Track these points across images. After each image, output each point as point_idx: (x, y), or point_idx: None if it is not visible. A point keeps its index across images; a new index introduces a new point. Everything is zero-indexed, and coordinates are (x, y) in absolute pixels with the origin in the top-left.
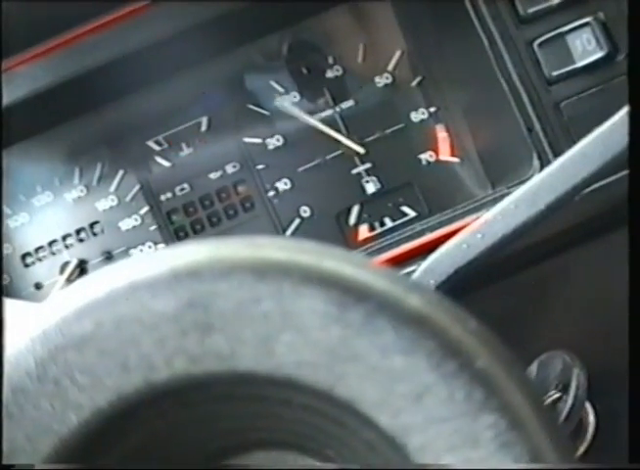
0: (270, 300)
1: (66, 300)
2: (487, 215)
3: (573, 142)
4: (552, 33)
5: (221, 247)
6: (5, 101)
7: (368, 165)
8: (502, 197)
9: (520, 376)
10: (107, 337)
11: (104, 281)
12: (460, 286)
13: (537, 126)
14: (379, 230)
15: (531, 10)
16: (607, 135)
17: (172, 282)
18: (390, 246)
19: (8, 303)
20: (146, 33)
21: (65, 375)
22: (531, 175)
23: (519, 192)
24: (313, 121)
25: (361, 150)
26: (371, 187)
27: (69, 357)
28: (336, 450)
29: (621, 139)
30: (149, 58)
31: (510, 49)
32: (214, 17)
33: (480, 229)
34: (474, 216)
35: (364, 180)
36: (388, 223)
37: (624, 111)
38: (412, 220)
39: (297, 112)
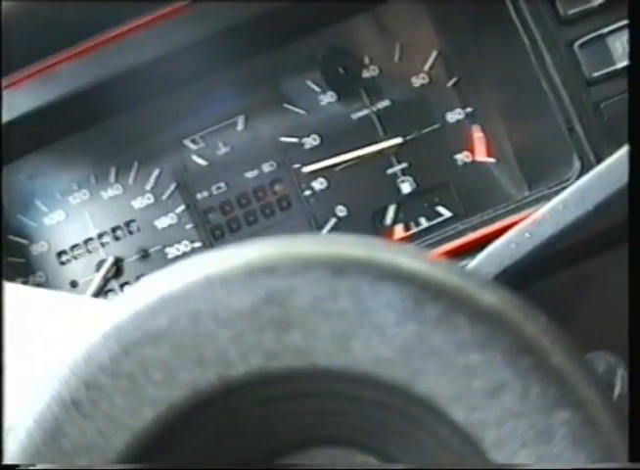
0: (347, 296)
1: (139, 295)
2: (536, 215)
3: (614, 143)
4: (592, 35)
5: (297, 243)
6: (42, 101)
7: (404, 165)
8: (541, 198)
9: (592, 373)
10: (182, 332)
11: (178, 276)
12: (507, 285)
13: (578, 127)
14: (414, 230)
15: (572, 11)
16: None
17: (248, 278)
18: (429, 246)
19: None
20: (183, 34)
21: (139, 370)
22: (571, 176)
23: (567, 192)
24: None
25: (397, 149)
26: (407, 187)
27: (144, 353)
28: (400, 447)
29: None
30: (187, 58)
31: (551, 50)
32: (251, 18)
33: (528, 229)
34: (512, 218)
35: (400, 180)
36: (424, 223)
37: None
38: (448, 221)
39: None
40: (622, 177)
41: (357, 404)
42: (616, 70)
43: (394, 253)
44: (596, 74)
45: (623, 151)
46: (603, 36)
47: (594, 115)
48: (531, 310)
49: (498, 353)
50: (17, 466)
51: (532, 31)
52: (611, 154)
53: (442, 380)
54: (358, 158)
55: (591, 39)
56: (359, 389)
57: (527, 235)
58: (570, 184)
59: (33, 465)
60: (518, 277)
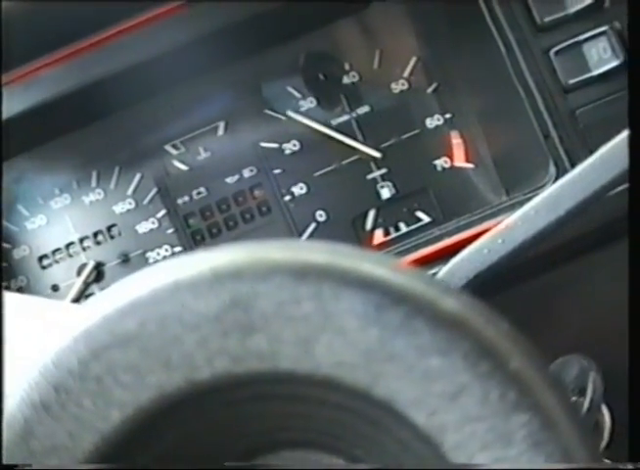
0: (310, 301)
1: (108, 299)
2: (508, 221)
3: (589, 149)
4: (568, 42)
5: (262, 249)
6: (26, 105)
7: (383, 171)
8: (517, 204)
9: (550, 377)
10: (150, 336)
11: (146, 281)
12: (479, 290)
13: (554, 133)
14: (394, 235)
15: (548, 18)
16: (626, 142)
17: (214, 283)
18: (408, 251)
19: (38, 301)
20: (163, 40)
21: (108, 373)
22: (547, 182)
23: (539, 198)
24: (326, 130)
25: (377, 155)
26: (386, 192)
27: (113, 356)
28: (365, 450)
29: None
30: (167, 64)
31: (527, 57)
32: (232, 24)
33: (501, 234)
34: (488, 223)
35: (379, 185)
36: (403, 228)
37: None
38: (427, 226)
39: (311, 119)
40: (594, 183)
41: (323, 407)
42: (591, 78)
43: (357, 258)
44: (572, 82)
45: (594, 157)
46: (579, 43)
47: (570, 121)
48: (492, 316)
49: (458, 358)
50: (15, 466)
51: (508, 38)
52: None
53: (403, 384)
54: (338, 163)
55: (567, 46)
56: (323, 392)
57: (500, 241)
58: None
59: (29, 465)
60: (491, 282)
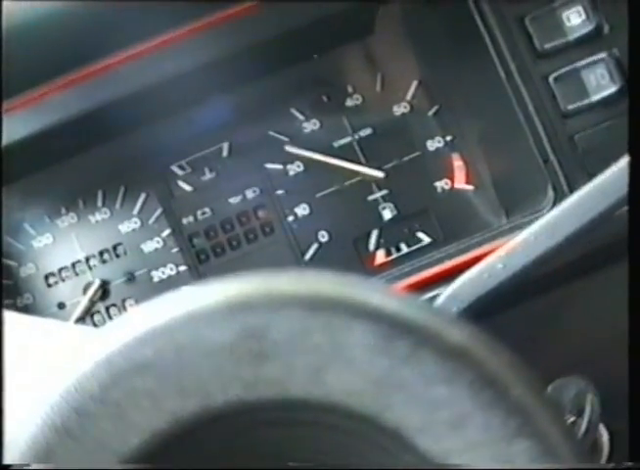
0: (321, 332)
1: (127, 327)
2: (508, 246)
3: (588, 174)
4: (567, 68)
5: (274, 280)
6: (34, 128)
7: (385, 192)
8: (516, 227)
9: (550, 404)
10: (167, 364)
11: (165, 310)
12: (480, 312)
13: (552, 158)
14: (395, 255)
15: (548, 45)
16: (626, 169)
17: (228, 314)
18: (409, 273)
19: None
20: (171, 65)
21: (127, 398)
22: (546, 206)
23: (538, 224)
24: (328, 153)
25: (379, 175)
26: (388, 213)
27: (132, 382)
28: None
29: None
30: (175, 88)
31: (526, 82)
32: (237, 49)
33: (501, 259)
34: (489, 246)
35: (381, 206)
36: (404, 249)
37: None
38: (428, 247)
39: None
40: (593, 210)
41: (333, 433)
42: (590, 103)
43: (366, 291)
44: (571, 107)
45: (592, 184)
46: (578, 70)
47: (568, 146)
48: (495, 346)
49: (463, 387)
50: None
51: (508, 64)
52: (584, 185)
53: (410, 411)
54: (340, 184)
55: (566, 73)
56: (333, 419)
57: (500, 266)
58: (544, 214)
59: (28, 465)
60: (491, 305)
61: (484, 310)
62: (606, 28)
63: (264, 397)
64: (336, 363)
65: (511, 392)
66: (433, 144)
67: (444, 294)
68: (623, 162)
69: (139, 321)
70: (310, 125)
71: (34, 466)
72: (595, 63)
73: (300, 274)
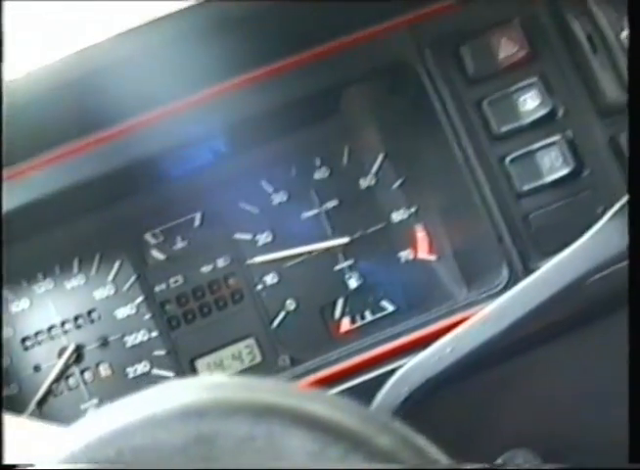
0: (263, 438)
1: (90, 427)
2: (457, 331)
3: (542, 252)
4: (523, 150)
5: (224, 388)
6: (18, 202)
7: (351, 262)
8: (475, 303)
9: None
10: (126, 463)
11: (126, 412)
12: (430, 391)
13: (507, 237)
14: (360, 323)
15: (504, 128)
16: (565, 264)
17: (182, 419)
18: (370, 346)
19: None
20: (149, 145)
21: None
22: (500, 283)
23: (486, 310)
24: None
25: (344, 246)
26: (353, 282)
27: None
28: None
29: (583, 264)
30: (149, 166)
31: (483, 163)
32: (213, 130)
33: (450, 343)
34: (447, 320)
35: (347, 276)
36: (369, 317)
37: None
38: (391, 314)
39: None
40: (537, 298)
41: None
42: (544, 184)
43: (305, 399)
44: (526, 188)
45: (539, 273)
46: (532, 152)
47: (523, 225)
48: (426, 448)
49: None
50: (13, 466)
51: (465, 146)
52: (537, 263)
53: None
54: (307, 254)
55: (521, 155)
56: None
57: (449, 350)
58: (499, 291)
59: (32, 465)
60: (441, 384)
61: (434, 389)
62: (560, 112)
63: None
64: (276, 465)
65: None
66: (397, 215)
67: (395, 376)
68: (563, 255)
69: (103, 422)
70: (279, 197)
71: (38, 466)
72: (549, 145)
73: (249, 381)
